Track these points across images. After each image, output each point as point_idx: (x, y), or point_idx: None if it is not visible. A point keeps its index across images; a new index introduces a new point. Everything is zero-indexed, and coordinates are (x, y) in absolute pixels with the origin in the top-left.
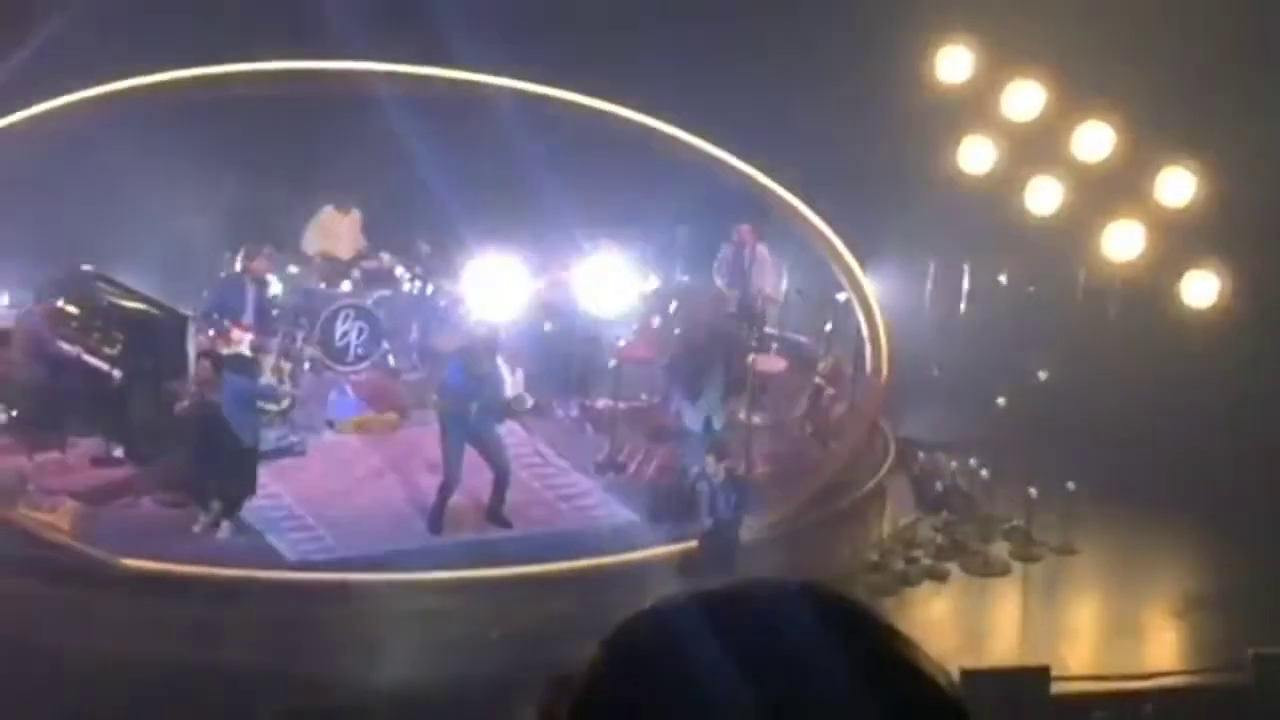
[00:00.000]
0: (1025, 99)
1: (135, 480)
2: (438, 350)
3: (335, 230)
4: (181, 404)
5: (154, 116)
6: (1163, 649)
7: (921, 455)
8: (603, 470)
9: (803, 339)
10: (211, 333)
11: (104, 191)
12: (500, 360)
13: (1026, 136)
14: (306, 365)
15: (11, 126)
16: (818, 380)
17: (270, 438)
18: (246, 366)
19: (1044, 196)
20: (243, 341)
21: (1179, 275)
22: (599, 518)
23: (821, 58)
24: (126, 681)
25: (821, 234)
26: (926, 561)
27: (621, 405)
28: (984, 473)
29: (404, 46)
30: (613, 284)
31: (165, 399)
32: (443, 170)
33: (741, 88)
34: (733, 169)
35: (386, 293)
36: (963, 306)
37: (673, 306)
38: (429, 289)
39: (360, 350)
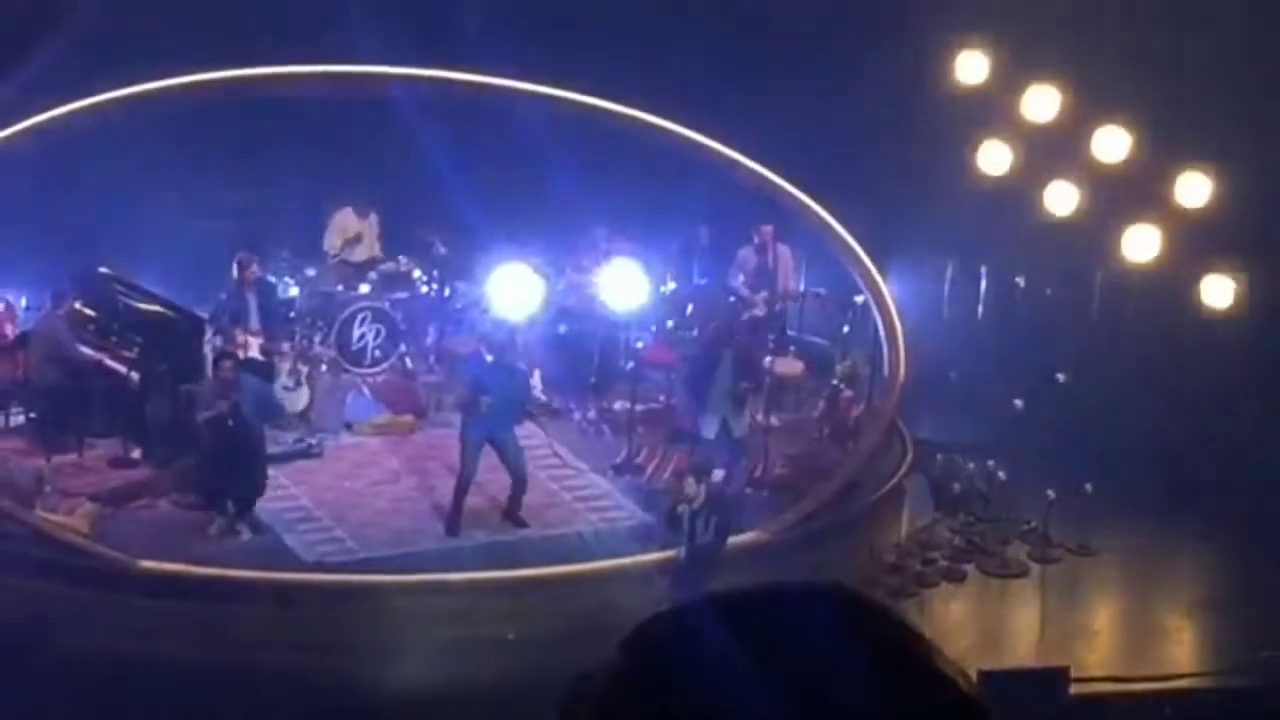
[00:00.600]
0: (1044, 102)
1: (153, 482)
2: (454, 352)
3: (353, 233)
4: (213, 409)
5: (172, 119)
6: (1180, 650)
7: (939, 457)
8: (620, 472)
9: (820, 341)
10: (220, 340)
11: (122, 194)
12: (519, 362)
13: (1045, 139)
14: (324, 367)
15: (31, 129)
16: (835, 382)
17: (287, 439)
18: (262, 370)
19: (1062, 199)
20: (252, 347)
21: (1197, 278)
22: (616, 520)
23: (839, 61)
24: (143, 683)
25: (839, 236)
26: (944, 563)
27: (639, 407)
28: (1001, 474)
29: (422, 49)
30: (630, 286)
31: (183, 401)
32: (460, 173)
33: (758, 91)
34: (750, 171)
35: (404, 295)
36: (980, 308)
37: (689, 309)
38: (446, 291)
39: (377, 352)
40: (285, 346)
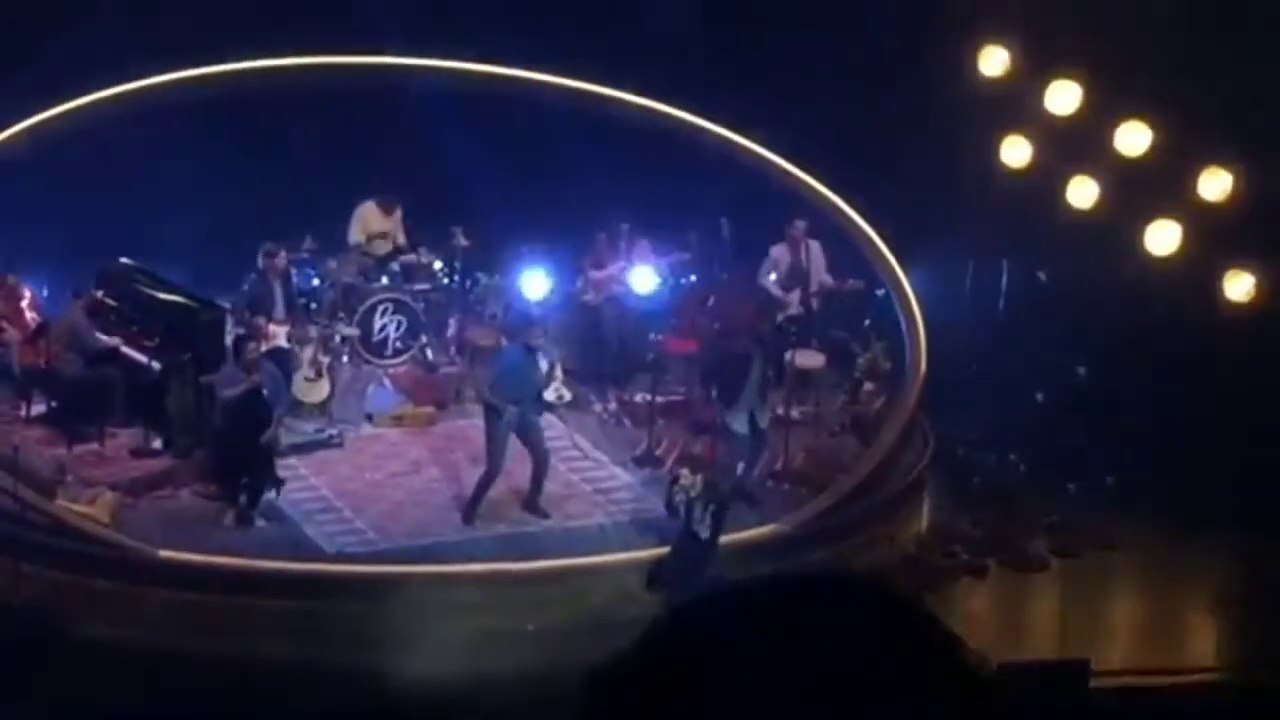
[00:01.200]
0: (1065, 96)
1: (174, 472)
2: (475, 344)
3: (376, 225)
4: (234, 388)
5: (194, 111)
6: (1202, 645)
7: (960, 450)
8: (640, 464)
9: (842, 334)
10: (243, 329)
11: (144, 185)
12: (540, 354)
13: (1067, 134)
14: (345, 359)
15: (51, 121)
16: (857, 375)
17: (308, 430)
18: (283, 359)
19: (1084, 193)
20: (278, 336)
21: (1218, 272)
22: (636, 512)
23: (861, 56)
24: (163, 672)
25: (861, 229)
26: (965, 557)
27: (659, 399)
28: (1023, 468)
29: (443, 41)
30: (651, 277)
31: (204, 391)
32: (481, 165)
33: (781, 85)
34: (772, 164)
35: (425, 286)
36: (1002, 302)
37: (710, 301)
38: (467, 283)
39: (399, 344)
40: (312, 332)
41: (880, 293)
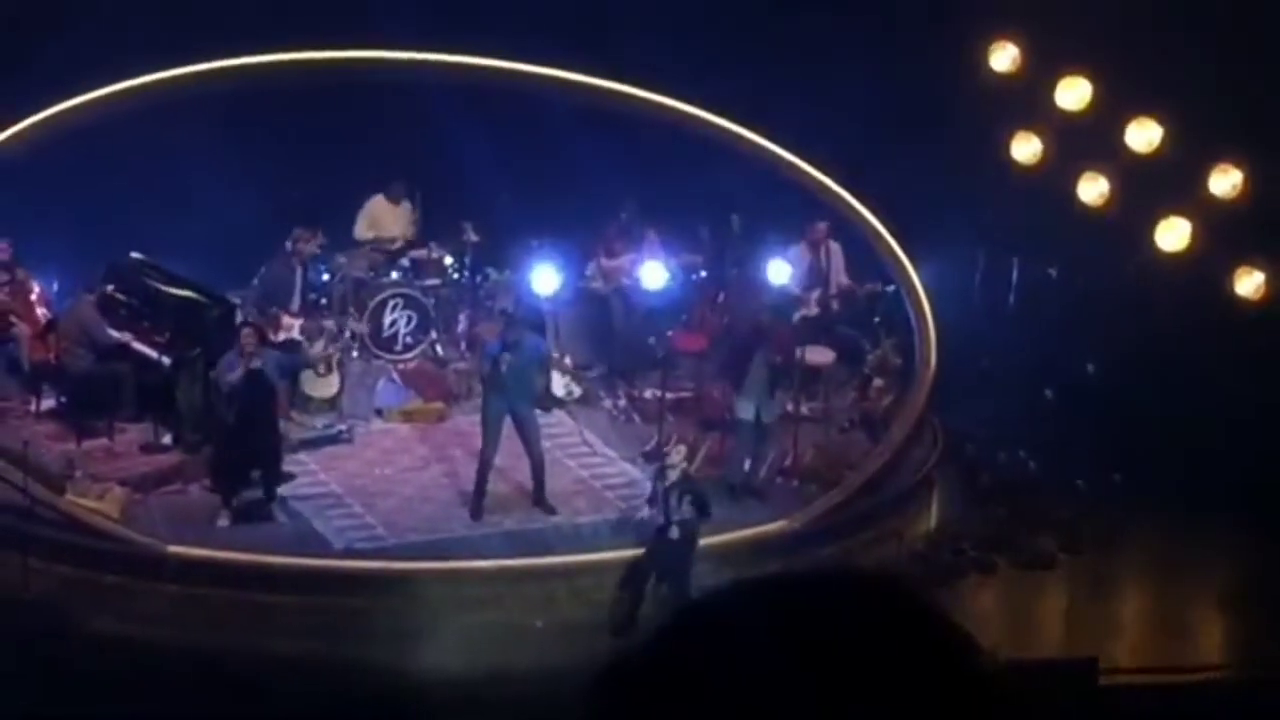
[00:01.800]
0: (1076, 92)
1: (184, 467)
2: (485, 339)
3: (385, 219)
4: (233, 374)
5: (204, 105)
6: (1211, 643)
7: (969, 447)
8: (650, 460)
9: (851, 330)
10: (253, 317)
11: (154, 180)
12: (553, 350)
13: (1077, 129)
14: (354, 353)
15: (61, 115)
16: (866, 372)
17: (317, 425)
18: (295, 349)
19: (1094, 189)
20: (292, 328)
21: (1229, 268)
22: (645, 508)
23: (871, 50)
24: (172, 668)
25: (871, 226)
26: (973, 553)
27: (669, 395)
28: (1031, 465)
29: (453, 35)
30: (661, 273)
31: (214, 386)
32: (491, 160)
33: (791, 80)
34: (783, 159)
35: (435, 282)
36: (1011, 299)
37: (721, 297)
38: (477, 278)
39: (408, 339)
40: (329, 324)
41: (890, 289)
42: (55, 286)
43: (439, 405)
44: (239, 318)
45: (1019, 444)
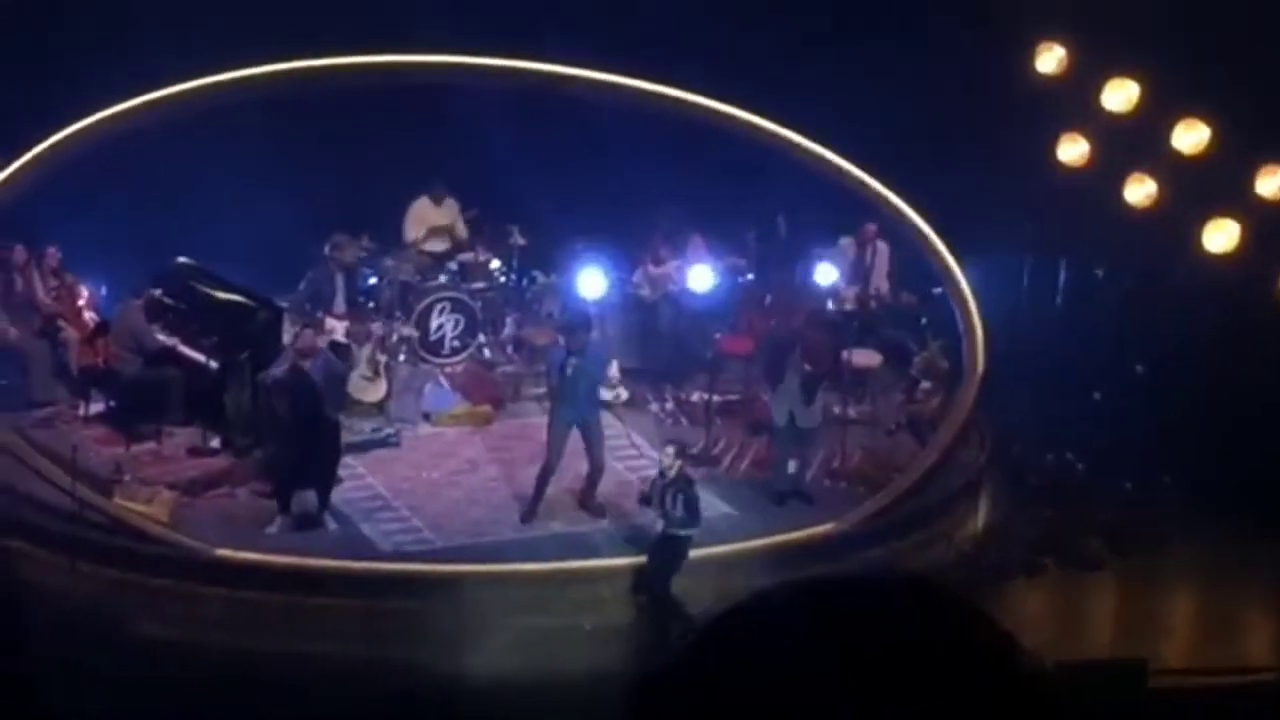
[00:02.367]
0: (1123, 94)
1: (232, 471)
2: (532, 343)
3: (430, 220)
4: (278, 369)
5: (253, 111)
6: (1260, 644)
7: (1017, 449)
8: (697, 464)
9: (899, 333)
10: (303, 324)
11: (202, 185)
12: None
13: (1124, 131)
14: (402, 357)
15: (109, 120)
16: (914, 374)
17: (365, 429)
18: (342, 353)
19: (1141, 191)
20: (336, 330)
21: (1276, 270)
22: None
23: (920, 53)
24: (221, 671)
25: (918, 228)
26: (1022, 555)
27: (716, 398)
28: (1079, 467)
29: (499, 39)
30: (709, 276)
31: (260, 389)
32: (538, 163)
33: (839, 82)
34: (830, 163)
35: (482, 285)
36: (1059, 300)
37: (767, 299)
38: (524, 282)
39: (456, 343)
40: (376, 327)
41: (937, 291)
42: (103, 292)
43: (487, 409)
44: (286, 322)
45: (1067, 446)
